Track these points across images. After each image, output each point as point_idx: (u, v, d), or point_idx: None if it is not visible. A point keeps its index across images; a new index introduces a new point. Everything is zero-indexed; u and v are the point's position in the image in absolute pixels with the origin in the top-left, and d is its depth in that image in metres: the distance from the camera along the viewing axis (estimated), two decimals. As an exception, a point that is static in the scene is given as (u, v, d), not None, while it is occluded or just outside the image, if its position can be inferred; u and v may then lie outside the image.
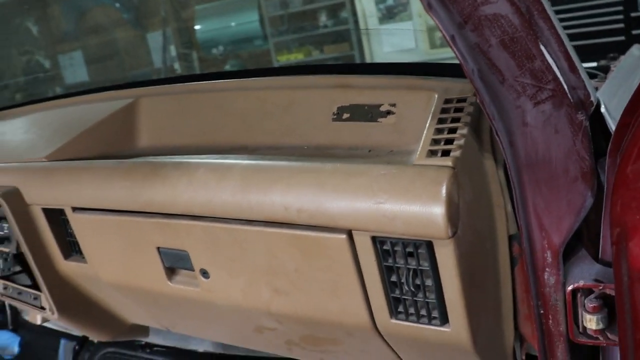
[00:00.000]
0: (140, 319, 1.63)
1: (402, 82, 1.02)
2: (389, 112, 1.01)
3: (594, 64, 2.53)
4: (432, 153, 0.86)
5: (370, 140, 1.02)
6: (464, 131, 0.87)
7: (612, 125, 0.94)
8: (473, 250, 0.87)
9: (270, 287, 1.05)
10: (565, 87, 0.82)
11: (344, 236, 0.90)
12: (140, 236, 1.20)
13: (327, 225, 0.91)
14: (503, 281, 0.98)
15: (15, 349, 2.31)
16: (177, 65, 6.04)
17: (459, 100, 0.92)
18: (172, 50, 5.95)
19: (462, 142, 0.85)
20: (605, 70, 2.20)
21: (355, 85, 1.07)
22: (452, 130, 0.88)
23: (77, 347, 2.39)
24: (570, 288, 0.93)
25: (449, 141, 0.86)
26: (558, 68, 0.80)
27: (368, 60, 5.03)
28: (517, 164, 0.87)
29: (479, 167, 0.90)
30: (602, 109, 0.91)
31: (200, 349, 2.00)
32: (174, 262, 1.20)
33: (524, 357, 1.09)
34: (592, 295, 0.93)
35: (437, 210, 0.79)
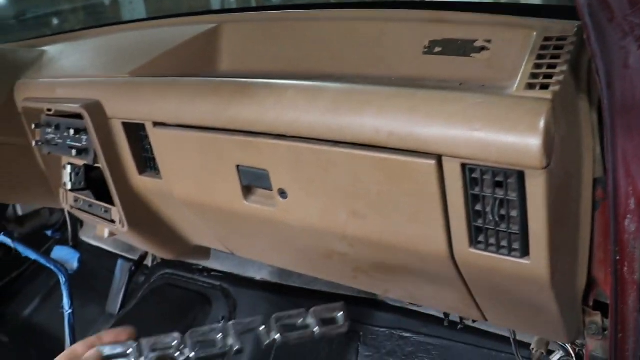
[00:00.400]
0: (205, 241, 1.68)
1: (499, 19, 1.02)
2: (483, 48, 1.02)
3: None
4: (530, 86, 0.86)
5: (461, 74, 1.03)
6: (564, 68, 0.87)
7: None
8: (561, 186, 0.88)
9: (349, 209, 1.08)
10: (675, 30, 0.81)
11: (432, 162, 0.92)
12: (221, 153, 1.23)
13: (417, 150, 0.92)
14: (583, 223, 0.99)
15: (75, 265, 2.40)
16: None
17: (559, 39, 0.92)
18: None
19: (561, 78, 0.86)
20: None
21: (449, 20, 1.08)
22: (552, 66, 0.88)
23: (133, 269, 2.48)
24: (650, 236, 0.95)
25: (548, 76, 0.87)
26: (671, 10, 0.79)
27: None
28: (612, 107, 0.87)
29: (574, 106, 0.90)
30: None
31: (258, 277, 2.06)
32: (252, 181, 1.23)
33: (591, 303, 1.10)
34: (674, 246, 0.95)
35: (534, 141, 0.80)
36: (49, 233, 2.86)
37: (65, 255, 2.42)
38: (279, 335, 0.91)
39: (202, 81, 1.28)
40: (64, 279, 2.26)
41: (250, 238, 1.44)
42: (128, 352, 0.88)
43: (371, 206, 1.04)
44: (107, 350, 0.89)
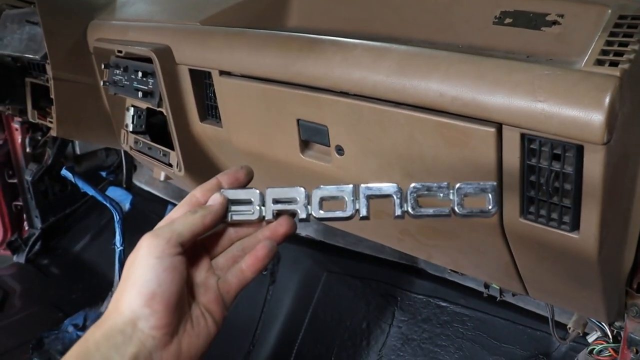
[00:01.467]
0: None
1: (574, -6, 1.03)
2: (554, 22, 1.02)
3: None
4: (599, 62, 0.87)
5: (529, 47, 1.04)
6: (635, 47, 0.87)
7: None
8: (618, 164, 0.89)
9: (404, 171, 1.11)
10: None
11: (492, 129, 0.93)
12: (283, 106, 1.26)
13: (479, 117, 0.94)
14: (636, 204, 1.00)
15: (127, 206, 2.48)
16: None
17: (635, 18, 0.92)
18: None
19: (632, 56, 0.86)
20: None
21: (522, -9, 1.08)
22: (623, 44, 0.88)
23: (182, 214, 2.54)
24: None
25: (619, 54, 0.87)
26: None
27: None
28: (679, 91, 0.87)
29: (641, 85, 0.91)
30: None
31: (303, 233, 2.10)
32: (311, 136, 1.26)
33: (635, 285, 1.11)
34: None
35: (597, 116, 0.81)
36: (103, 174, 2.95)
37: (119, 196, 2.49)
38: (410, 208, 0.81)
39: (271, 34, 1.30)
40: (118, 217, 2.34)
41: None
42: (252, 199, 0.81)
43: (426, 169, 1.06)
44: (231, 195, 0.81)
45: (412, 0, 1.26)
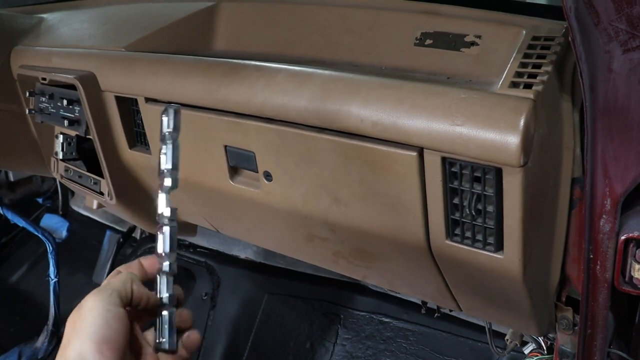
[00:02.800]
0: (191, 218, 1.69)
1: (490, 15, 1.04)
2: (473, 43, 1.03)
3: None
4: (514, 84, 0.88)
5: (450, 68, 1.04)
6: (548, 68, 0.88)
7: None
8: (538, 184, 0.90)
9: (332, 195, 1.10)
10: (659, 36, 0.83)
11: (414, 154, 0.93)
12: (210, 133, 1.24)
13: (400, 141, 0.94)
14: (559, 221, 1.01)
15: (64, 234, 2.41)
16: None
17: (547, 39, 0.93)
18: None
19: (545, 78, 0.87)
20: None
21: (442, 13, 1.09)
22: (537, 66, 0.89)
23: (121, 240, 2.49)
24: (623, 237, 0.96)
25: (532, 75, 0.88)
26: (656, 16, 0.81)
27: None
28: (594, 109, 0.88)
29: (556, 106, 0.92)
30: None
31: (242, 255, 2.07)
32: (239, 162, 1.24)
33: (564, 299, 1.13)
34: (644, 247, 0.97)
35: (513, 139, 0.82)
36: (40, 200, 2.87)
37: (55, 224, 2.43)
38: None
39: (194, 60, 1.29)
40: (50, 248, 2.28)
41: (235, 217, 1.46)
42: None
43: (353, 194, 1.06)
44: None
45: (336, 21, 1.25)
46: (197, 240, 2.21)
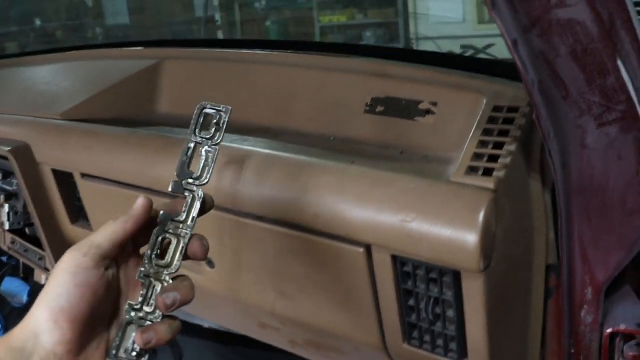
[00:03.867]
0: (145, 291, 1.56)
1: (447, 78, 0.91)
2: (428, 112, 0.90)
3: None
4: (472, 170, 0.75)
5: (404, 139, 0.91)
6: (512, 147, 0.75)
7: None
8: (505, 283, 0.77)
9: (277, 288, 0.97)
10: (639, 110, 0.70)
11: (361, 250, 0.80)
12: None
13: (343, 236, 0.81)
14: (534, 313, 0.88)
15: (25, 299, 2.27)
16: (217, 16, 5.93)
17: (510, 110, 0.80)
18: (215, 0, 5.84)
19: (508, 160, 0.74)
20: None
21: (394, 75, 0.96)
22: (499, 145, 0.76)
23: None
24: (609, 331, 0.84)
25: (493, 158, 0.75)
26: (634, 88, 0.68)
27: (412, 29, 4.84)
28: (567, 188, 0.76)
29: (523, 188, 0.79)
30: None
31: (205, 324, 1.93)
32: (180, 246, 1.11)
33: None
34: (633, 342, 0.84)
35: (471, 241, 0.69)
36: (4, 259, 2.73)
37: (15, 289, 2.29)
38: None
39: (129, 133, 1.16)
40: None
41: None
42: None
43: (299, 288, 0.93)
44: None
45: (281, 85, 1.13)
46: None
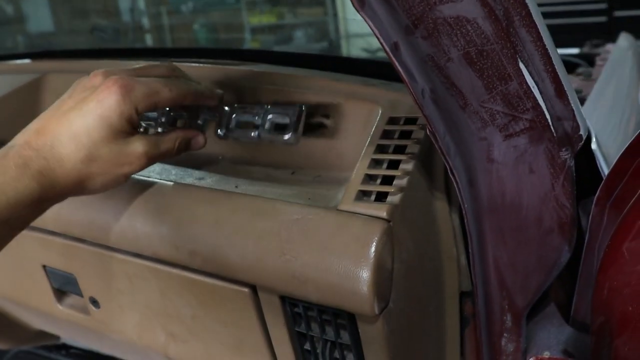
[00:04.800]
0: (44, 326, 1.42)
1: (340, 86, 0.80)
2: (321, 125, 0.79)
3: (576, 50, 2.33)
4: (363, 194, 0.64)
5: (295, 158, 0.80)
6: (409, 166, 0.65)
7: (603, 164, 0.74)
8: (410, 319, 0.67)
9: (166, 330, 0.85)
10: (549, 117, 0.61)
11: (246, 290, 0.69)
12: (26, 251, 0.98)
13: (224, 276, 0.70)
14: (450, 345, 0.78)
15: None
16: (145, 21, 5.74)
17: (408, 121, 0.70)
18: (141, 5, 5.65)
19: (404, 182, 0.64)
20: (589, 59, 2.00)
21: (281, 83, 0.85)
22: (394, 164, 0.66)
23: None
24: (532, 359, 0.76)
25: (388, 180, 0.65)
26: (541, 93, 0.59)
27: (342, 29, 4.75)
28: (476, 208, 0.67)
29: (426, 211, 0.69)
30: (594, 146, 0.70)
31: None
32: (62, 285, 0.99)
33: None
34: (560, 370, 0.76)
35: (362, 282, 0.58)
36: None
37: None
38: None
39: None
40: None
41: (80, 336, 1.19)
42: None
43: (189, 330, 0.81)
44: None
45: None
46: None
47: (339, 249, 0.60)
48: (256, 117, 0.75)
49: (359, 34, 4.36)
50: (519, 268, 0.73)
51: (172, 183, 0.76)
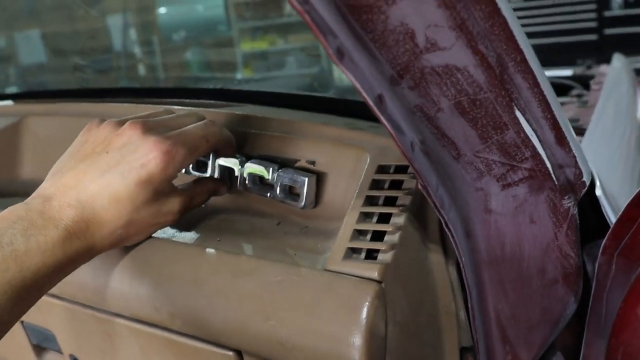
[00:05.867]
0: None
1: (326, 130, 0.76)
2: (306, 171, 0.75)
3: (569, 72, 2.31)
4: (352, 252, 0.60)
5: (281, 206, 0.76)
6: (401, 220, 0.61)
7: (609, 210, 0.69)
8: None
9: (150, 393, 0.80)
10: (549, 165, 0.57)
11: (231, 353, 0.65)
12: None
13: (206, 339, 0.65)
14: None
15: None
16: (137, 49, 5.73)
17: (398, 169, 0.66)
18: (132, 35, 5.63)
19: (396, 237, 0.59)
20: (583, 81, 1.97)
21: (265, 128, 0.81)
22: (385, 218, 0.62)
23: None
24: (540, 420, 0.71)
25: (378, 236, 0.60)
26: (540, 141, 0.55)
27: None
28: (474, 260, 0.62)
29: (420, 265, 0.64)
30: (598, 192, 0.66)
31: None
32: (41, 342, 0.94)
33: None
34: None
35: (353, 349, 0.54)
36: None
37: None
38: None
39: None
40: None
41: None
42: None
43: (172, 394, 0.76)
44: None
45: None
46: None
47: (327, 314, 0.55)
48: (269, 173, 0.73)
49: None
50: (522, 321, 0.68)
51: (149, 237, 0.72)
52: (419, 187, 0.54)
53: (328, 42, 0.42)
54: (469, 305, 0.64)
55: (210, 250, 0.66)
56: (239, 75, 4.69)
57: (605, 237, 0.65)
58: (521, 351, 0.70)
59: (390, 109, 0.49)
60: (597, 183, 0.66)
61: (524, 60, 0.49)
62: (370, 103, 0.46)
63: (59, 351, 0.91)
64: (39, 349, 0.96)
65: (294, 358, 0.58)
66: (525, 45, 0.49)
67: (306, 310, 0.56)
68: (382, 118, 0.48)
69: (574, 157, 0.58)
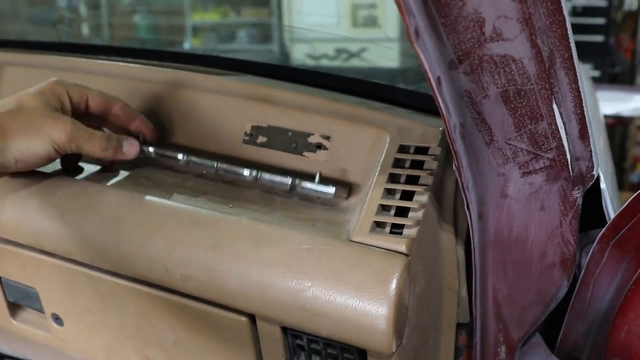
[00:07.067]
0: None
1: (341, 107, 0.77)
2: (320, 146, 0.76)
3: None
4: (378, 225, 0.62)
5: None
6: (424, 198, 0.63)
7: (609, 203, 0.74)
8: (415, 353, 0.65)
9: (141, 354, 0.80)
10: (569, 157, 0.60)
11: (244, 319, 0.66)
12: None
13: (222, 303, 0.66)
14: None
15: None
16: (82, 8, 5.55)
17: (419, 150, 0.68)
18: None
19: (420, 214, 0.62)
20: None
21: (278, 100, 0.81)
22: (408, 196, 0.64)
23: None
24: (525, 392, 0.76)
25: (403, 211, 0.63)
26: (566, 134, 0.58)
27: (286, 29, 4.70)
28: (483, 240, 0.65)
29: (435, 244, 0.67)
30: (602, 185, 0.70)
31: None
32: (19, 299, 0.92)
33: None
34: (548, 400, 0.76)
35: (381, 319, 0.56)
36: None
37: None
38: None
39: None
40: None
41: (34, 354, 1.12)
42: None
43: (169, 356, 0.77)
44: None
45: (143, 102, 0.95)
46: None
47: (356, 284, 0.57)
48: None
49: (303, 40, 4.34)
50: (518, 301, 0.72)
51: (157, 200, 0.72)
52: (454, 167, 0.57)
53: (410, 21, 0.43)
54: (473, 283, 0.67)
55: (229, 216, 0.67)
56: (186, 45, 4.60)
57: (604, 227, 0.69)
58: (513, 329, 0.74)
59: (444, 92, 0.51)
60: (602, 177, 0.70)
61: (571, 57, 0.52)
62: (433, 84, 0.48)
63: (40, 310, 0.89)
64: (14, 306, 0.94)
65: (316, 325, 0.59)
66: (573, 44, 0.52)
67: (334, 279, 0.58)
68: (438, 99, 0.50)
69: (591, 151, 0.62)
